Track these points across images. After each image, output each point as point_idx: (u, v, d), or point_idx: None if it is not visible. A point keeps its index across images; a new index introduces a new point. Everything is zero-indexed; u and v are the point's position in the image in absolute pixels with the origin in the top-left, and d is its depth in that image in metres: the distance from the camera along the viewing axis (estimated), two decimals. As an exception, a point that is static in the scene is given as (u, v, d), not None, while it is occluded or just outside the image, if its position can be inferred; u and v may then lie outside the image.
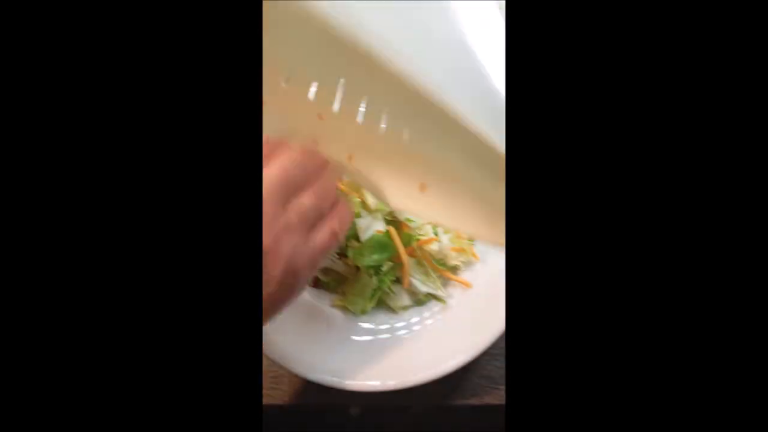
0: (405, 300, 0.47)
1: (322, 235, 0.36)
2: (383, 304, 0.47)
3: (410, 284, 0.46)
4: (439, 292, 0.47)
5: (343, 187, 0.48)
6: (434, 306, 0.47)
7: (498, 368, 0.49)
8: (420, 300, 0.47)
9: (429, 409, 0.49)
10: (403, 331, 0.45)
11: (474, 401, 0.48)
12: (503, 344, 0.46)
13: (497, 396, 0.48)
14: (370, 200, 0.48)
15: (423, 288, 0.46)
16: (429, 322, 0.46)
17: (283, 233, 0.33)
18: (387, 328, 0.45)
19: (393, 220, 0.48)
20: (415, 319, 0.46)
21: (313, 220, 0.36)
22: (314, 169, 0.36)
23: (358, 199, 0.48)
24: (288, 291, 0.35)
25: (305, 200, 0.35)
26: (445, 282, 0.48)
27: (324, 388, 0.42)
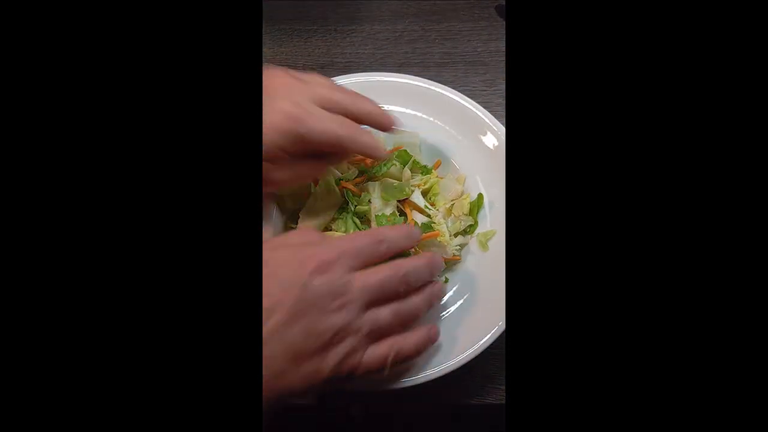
0: None
1: (373, 358, 0.34)
2: None
3: None
4: None
5: (347, 185, 0.48)
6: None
7: (498, 368, 0.49)
8: None
9: (429, 409, 0.49)
10: (402, 331, 0.45)
11: (474, 401, 0.48)
12: (503, 344, 0.46)
13: (497, 396, 0.48)
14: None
15: None
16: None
17: (348, 333, 0.32)
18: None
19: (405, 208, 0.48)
20: (414, 319, 0.46)
21: (378, 336, 0.34)
22: (418, 283, 0.35)
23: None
24: (310, 382, 0.32)
25: (384, 315, 0.34)
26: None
27: (324, 388, 0.42)
